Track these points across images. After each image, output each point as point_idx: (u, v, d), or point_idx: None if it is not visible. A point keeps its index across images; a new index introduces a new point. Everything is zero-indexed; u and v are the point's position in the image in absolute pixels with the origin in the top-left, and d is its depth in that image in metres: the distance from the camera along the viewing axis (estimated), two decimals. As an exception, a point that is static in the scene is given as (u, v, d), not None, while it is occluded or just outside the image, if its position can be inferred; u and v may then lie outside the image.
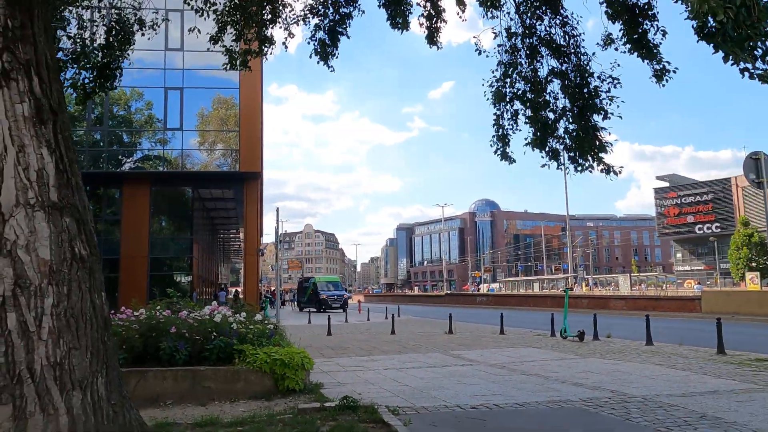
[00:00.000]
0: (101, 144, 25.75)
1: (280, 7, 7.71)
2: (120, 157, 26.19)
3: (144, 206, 25.25)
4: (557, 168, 7.27)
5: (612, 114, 6.84)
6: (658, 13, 6.52)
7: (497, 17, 7.56)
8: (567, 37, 7.30)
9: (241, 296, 29.36)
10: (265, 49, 7.86)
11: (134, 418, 3.05)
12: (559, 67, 7.23)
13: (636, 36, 6.57)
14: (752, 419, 5.37)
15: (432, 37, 8.18)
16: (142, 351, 6.53)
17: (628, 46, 6.67)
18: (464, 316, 26.50)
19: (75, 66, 7.25)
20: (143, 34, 7.43)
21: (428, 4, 7.98)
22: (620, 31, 6.77)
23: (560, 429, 5.28)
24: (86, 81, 7.27)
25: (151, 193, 25.80)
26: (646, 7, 6.46)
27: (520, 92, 7.20)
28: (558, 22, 7.40)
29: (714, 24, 3.68)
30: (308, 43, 7.95)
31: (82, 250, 2.95)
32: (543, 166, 7.29)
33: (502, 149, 7.19)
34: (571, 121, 7.17)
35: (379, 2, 7.81)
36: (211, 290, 37.54)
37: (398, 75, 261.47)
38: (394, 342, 14.32)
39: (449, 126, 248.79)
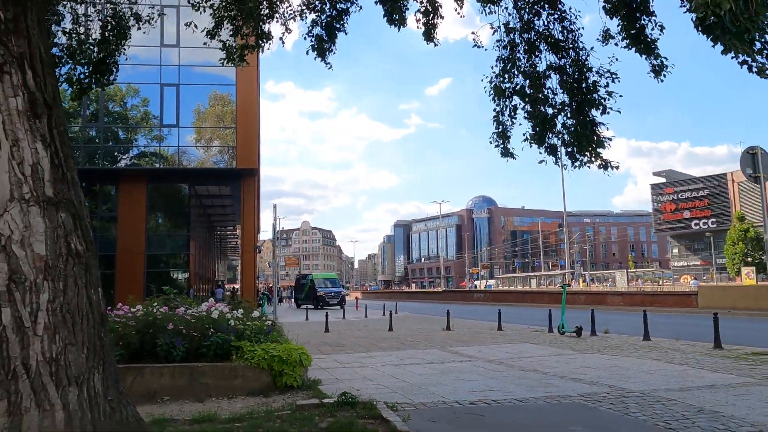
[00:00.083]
0: (97, 140, 25.63)
1: (278, 2, 7.65)
2: (116, 153, 26.08)
3: (140, 203, 25.18)
4: (555, 163, 7.26)
5: (611, 109, 6.83)
6: (653, 7, 6.51)
7: (495, 12, 7.53)
8: (565, 32, 7.28)
9: (238, 293, 29.32)
10: (263, 44, 7.81)
11: (131, 414, 3.03)
12: (558, 62, 7.21)
13: (634, 31, 6.55)
14: (749, 413, 5.39)
15: (429, 34, 8.14)
16: (139, 347, 6.50)
17: (626, 41, 6.65)
18: (462, 313, 26.54)
19: (70, 61, 7.19)
20: (139, 28, 7.37)
21: (425, 0, 7.94)
22: (618, 26, 6.75)
23: (559, 424, 5.28)
24: (82, 76, 7.21)
25: (148, 189, 25.72)
26: (643, 1, 6.44)
27: (518, 87, 7.18)
28: (556, 17, 7.38)
29: (713, 17, 3.66)
30: (305, 38, 7.90)
31: (78, 246, 2.92)
32: (541, 162, 7.29)
33: (502, 145, 7.17)
34: (569, 116, 7.16)
35: (376, -1, 7.76)
36: (208, 287, 37.50)
37: (395, 71, 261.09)
38: (392, 338, 14.32)
39: (446, 123, 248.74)
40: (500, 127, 7.16)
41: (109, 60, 7.21)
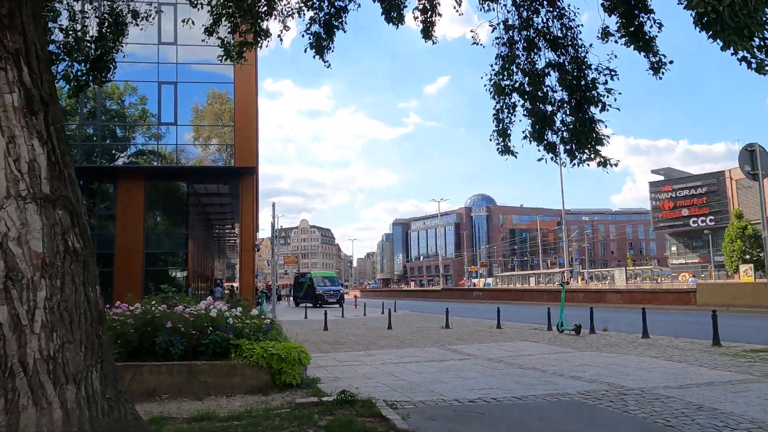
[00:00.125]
0: (95, 138, 25.56)
1: (276, 0, 7.62)
2: (114, 151, 26.01)
3: (139, 201, 25.13)
4: (554, 161, 7.24)
5: (610, 106, 6.82)
6: (651, 5, 6.49)
7: (494, 9, 7.50)
8: (564, 29, 7.26)
9: (237, 291, 29.30)
10: (261, 41, 7.77)
11: (129, 412, 3.02)
12: (557, 59, 7.19)
13: (632, 29, 6.54)
14: (748, 409, 5.39)
15: (427, 32, 8.11)
16: (137, 345, 6.48)
17: (624, 39, 6.64)
18: (461, 311, 26.55)
19: (68, 58, 7.15)
20: (137, 24, 7.34)
21: (423, -4, 7.91)
22: (617, 23, 6.73)
23: (559, 422, 5.28)
24: (79, 73, 7.17)
25: (146, 188, 25.67)
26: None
27: (517, 84, 7.16)
28: (555, 14, 7.35)
29: (712, 13, 3.65)
30: (303, 36, 7.86)
31: (76, 243, 2.90)
32: (540, 159, 7.26)
33: (503, 144, 7.15)
34: (568, 113, 7.14)
35: (374, -4, 7.72)
36: (206, 285, 37.47)
37: (394, 70, 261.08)
38: (391, 337, 14.32)
39: (445, 121, 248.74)
40: (500, 124, 7.14)
41: (107, 57, 7.17)
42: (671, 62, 6.65)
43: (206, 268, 41.13)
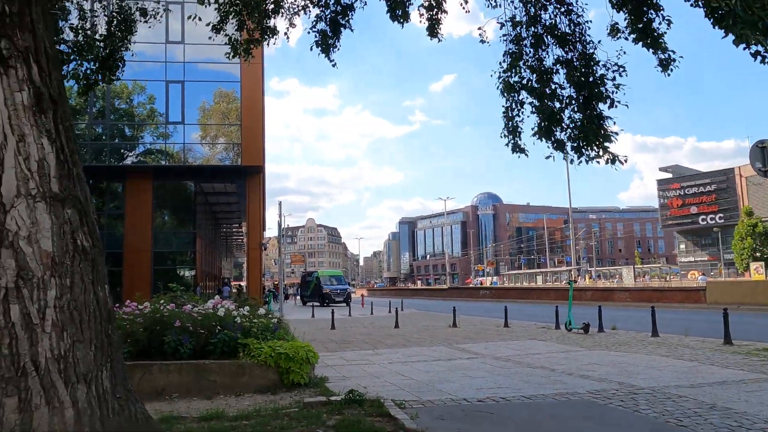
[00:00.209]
0: (103, 137, 25.71)
1: (282, -2, 7.62)
2: (122, 150, 26.16)
3: (147, 200, 25.25)
4: (563, 158, 7.18)
5: (618, 102, 6.75)
6: (659, 0, 6.41)
7: (501, 6, 7.44)
8: (572, 25, 7.19)
9: (244, 291, 29.39)
10: (268, 38, 7.78)
11: (139, 411, 3.01)
12: (565, 55, 7.13)
13: (641, 25, 6.47)
14: (763, 409, 5.33)
15: (433, 29, 8.06)
16: (146, 345, 6.51)
17: (633, 36, 6.56)
18: (468, 310, 26.49)
19: (78, 58, 7.20)
20: (146, 22, 7.37)
21: (429, -6, 7.86)
22: (625, 20, 6.66)
23: (569, 421, 5.23)
24: (88, 72, 7.22)
25: (154, 187, 25.78)
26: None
27: (525, 81, 7.10)
28: (563, 10, 7.29)
29: (725, 6, 3.59)
30: (308, 33, 7.84)
31: (85, 242, 2.90)
32: (548, 157, 7.19)
33: (513, 141, 7.10)
34: (576, 110, 7.08)
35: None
36: (214, 284, 37.63)
37: (399, 68, 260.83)
38: (398, 335, 14.30)
39: (450, 119, 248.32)
40: (510, 122, 7.10)
41: (116, 55, 7.21)
42: (681, 57, 6.57)
43: (214, 267, 41.30)
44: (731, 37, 4.21)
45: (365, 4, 7.89)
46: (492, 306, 30.20)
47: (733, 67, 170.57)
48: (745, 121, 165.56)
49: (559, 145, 7.20)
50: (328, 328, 16.24)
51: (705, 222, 67.43)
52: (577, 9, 7.25)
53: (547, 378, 7.41)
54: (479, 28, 7.59)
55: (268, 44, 7.92)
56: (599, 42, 7.11)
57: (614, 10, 6.71)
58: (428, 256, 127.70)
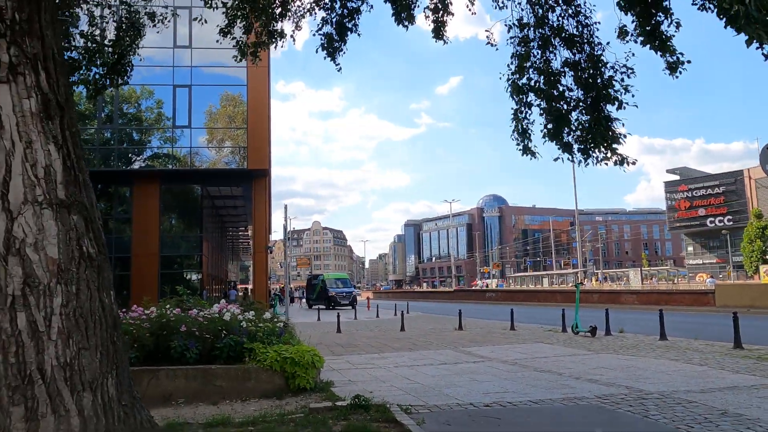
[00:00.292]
0: (112, 142, 25.88)
1: (290, 1, 7.64)
2: (130, 155, 26.33)
3: (154, 204, 25.39)
4: (570, 160, 7.14)
5: (627, 104, 6.71)
6: (668, 3, 6.36)
7: (507, 7, 7.42)
8: (580, 26, 7.16)
9: (250, 294, 29.45)
10: (275, 41, 7.81)
11: (145, 419, 3.00)
12: (572, 57, 7.10)
13: (649, 28, 6.42)
14: (775, 416, 5.24)
15: (438, 31, 8.05)
16: (153, 350, 6.51)
17: (641, 38, 6.52)
18: (474, 312, 26.39)
19: (90, 65, 7.29)
20: (154, 25, 7.44)
21: (435, -4, 7.85)
22: (633, 22, 6.62)
23: (578, 427, 5.18)
24: (97, 76, 7.29)
25: (161, 191, 25.93)
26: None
27: (533, 83, 7.08)
28: (570, 12, 7.25)
29: (738, 4, 3.55)
30: (314, 35, 7.87)
31: (90, 249, 2.90)
32: (556, 159, 7.16)
33: (523, 144, 7.07)
34: (584, 112, 7.04)
35: (385, -3, 7.68)
36: (221, 288, 37.71)
37: (405, 71, 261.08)
38: (404, 339, 14.25)
39: (456, 122, 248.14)
40: (520, 125, 7.07)
41: (124, 60, 7.28)
42: (689, 62, 6.52)
43: (220, 270, 41.41)
44: (740, 37, 4.16)
45: (371, 7, 7.90)
46: (498, 309, 30.07)
47: (741, 68, 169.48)
48: (753, 122, 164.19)
49: (567, 147, 7.16)
50: (333, 332, 16.22)
51: (713, 224, 66.87)
52: (585, 10, 7.22)
53: (555, 382, 7.34)
54: (487, 31, 7.58)
55: (276, 47, 7.95)
56: (607, 43, 7.08)
57: (622, 12, 6.66)
58: (434, 259, 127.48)
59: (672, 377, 7.53)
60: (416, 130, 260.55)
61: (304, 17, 7.84)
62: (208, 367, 6.39)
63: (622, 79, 6.82)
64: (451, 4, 7.98)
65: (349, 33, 7.88)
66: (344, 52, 7.97)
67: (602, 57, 7.00)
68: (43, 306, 2.65)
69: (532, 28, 7.17)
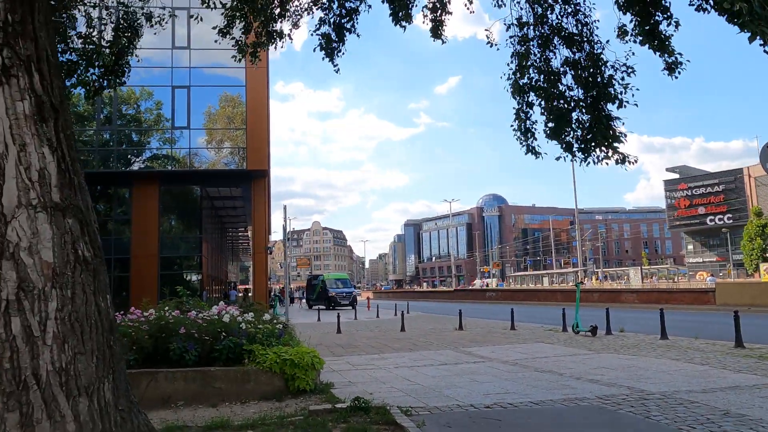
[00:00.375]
0: (110, 143, 25.85)
1: (288, 1, 7.61)
2: (129, 156, 26.29)
3: (153, 205, 25.34)
4: (572, 160, 7.11)
5: (627, 103, 6.68)
6: (667, 2, 6.33)
7: (506, 6, 7.40)
8: (579, 25, 7.13)
9: (249, 295, 29.42)
10: (274, 41, 7.78)
11: (143, 423, 2.97)
12: (572, 56, 7.07)
13: (648, 27, 6.39)
14: (777, 416, 5.21)
15: (437, 31, 8.02)
16: (152, 352, 6.48)
17: (639, 38, 6.50)
18: (474, 312, 26.37)
19: (89, 66, 7.27)
20: (151, 26, 7.42)
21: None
22: (631, 22, 6.59)
23: (579, 427, 5.15)
24: (95, 78, 7.27)
25: (160, 192, 25.88)
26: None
27: (534, 81, 7.05)
28: (570, 10, 7.22)
29: (741, 1, 3.52)
30: (312, 35, 7.83)
31: (86, 252, 2.86)
32: (558, 158, 7.13)
33: (527, 143, 7.04)
34: (584, 111, 7.01)
35: (383, -4, 7.64)
36: (220, 289, 37.68)
37: (404, 70, 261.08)
38: (404, 339, 14.22)
39: (455, 121, 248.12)
40: (522, 124, 7.04)
41: (122, 61, 7.26)
42: (688, 61, 6.50)
43: (220, 271, 41.37)
44: (740, 36, 4.13)
45: (369, 7, 7.86)
46: (498, 308, 30.04)
47: (741, 66, 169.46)
48: (753, 121, 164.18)
49: (568, 147, 7.13)
50: (333, 332, 16.19)
51: (713, 222, 66.88)
52: (584, 9, 7.20)
53: (556, 383, 7.31)
54: (486, 30, 7.55)
55: (275, 48, 7.92)
56: (607, 42, 7.05)
57: (621, 12, 6.64)
58: (434, 258, 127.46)
59: (673, 377, 7.50)
60: (415, 130, 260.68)
61: (302, 17, 7.81)
62: (208, 369, 6.36)
63: (623, 78, 6.80)
64: (449, 3, 7.95)
65: (347, 34, 7.84)
66: (343, 53, 7.92)
67: (602, 56, 6.98)
68: (37, 310, 2.62)
69: (531, 27, 7.13)
